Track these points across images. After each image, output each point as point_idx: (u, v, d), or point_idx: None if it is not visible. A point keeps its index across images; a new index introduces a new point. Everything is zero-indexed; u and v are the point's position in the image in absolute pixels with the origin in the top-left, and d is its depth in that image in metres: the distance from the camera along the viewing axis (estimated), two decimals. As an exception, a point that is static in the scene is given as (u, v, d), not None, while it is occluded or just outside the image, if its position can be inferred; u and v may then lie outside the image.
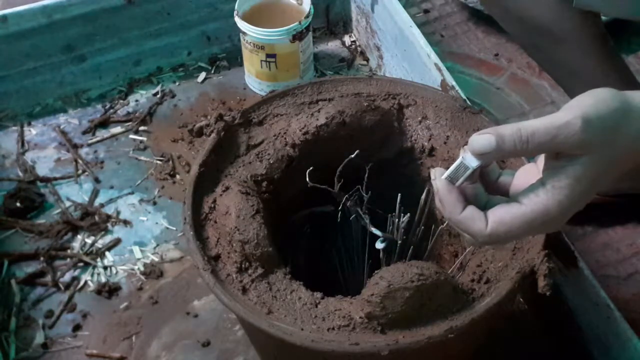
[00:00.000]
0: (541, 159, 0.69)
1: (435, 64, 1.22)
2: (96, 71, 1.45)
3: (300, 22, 1.35)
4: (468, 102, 1.05)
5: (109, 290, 1.16)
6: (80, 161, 1.34)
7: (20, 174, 1.32)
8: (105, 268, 1.20)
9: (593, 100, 0.64)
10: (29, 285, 1.18)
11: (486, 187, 0.71)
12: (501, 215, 0.66)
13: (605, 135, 0.64)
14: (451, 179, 0.68)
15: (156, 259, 1.20)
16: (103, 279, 1.18)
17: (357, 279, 1.01)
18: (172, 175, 1.31)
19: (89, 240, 1.23)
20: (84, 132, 1.39)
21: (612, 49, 1.14)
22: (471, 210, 0.67)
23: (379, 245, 0.95)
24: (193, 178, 0.93)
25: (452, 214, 0.68)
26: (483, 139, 0.64)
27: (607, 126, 0.64)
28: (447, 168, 0.68)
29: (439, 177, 0.69)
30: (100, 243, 1.22)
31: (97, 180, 1.31)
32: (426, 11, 1.61)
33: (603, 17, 1.23)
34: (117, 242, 1.23)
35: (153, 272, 1.18)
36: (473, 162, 0.66)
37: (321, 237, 1.03)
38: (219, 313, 1.12)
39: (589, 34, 1.11)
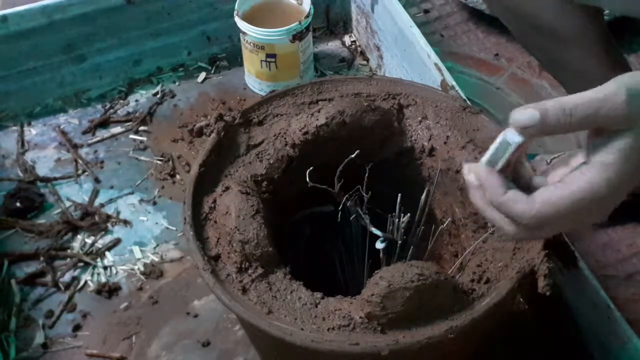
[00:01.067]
0: (576, 157, 0.68)
1: (435, 64, 1.22)
2: (96, 71, 1.45)
3: (300, 22, 1.35)
4: (468, 102, 1.05)
5: (109, 290, 1.16)
6: (80, 161, 1.34)
7: (20, 174, 1.32)
8: (105, 268, 1.20)
9: (633, 78, 0.63)
10: (29, 285, 1.18)
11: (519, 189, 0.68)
12: (547, 195, 0.65)
13: None
14: (490, 162, 0.67)
15: (156, 259, 1.21)
16: (103, 279, 1.18)
17: (357, 279, 1.02)
18: (172, 175, 1.31)
19: (89, 240, 1.23)
20: (84, 132, 1.39)
21: (615, 49, 1.14)
22: (514, 192, 0.66)
23: (379, 245, 0.95)
24: (193, 178, 0.93)
25: (495, 195, 0.66)
26: (527, 112, 0.63)
27: None
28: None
29: (474, 168, 0.67)
30: (100, 243, 1.23)
31: (97, 180, 1.31)
32: (426, 11, 1.61)
33: (605, 17, 1.23)
34: (117, 242, 1.23)
35: (153, 272, 1.18)
36: (515, 138, 0.65)
37: (321, 237, 1.03)
38: (219, 313, 1.12)
39: (591, 33, 1.10)
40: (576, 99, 0.62)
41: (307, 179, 0.92)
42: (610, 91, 0.61)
